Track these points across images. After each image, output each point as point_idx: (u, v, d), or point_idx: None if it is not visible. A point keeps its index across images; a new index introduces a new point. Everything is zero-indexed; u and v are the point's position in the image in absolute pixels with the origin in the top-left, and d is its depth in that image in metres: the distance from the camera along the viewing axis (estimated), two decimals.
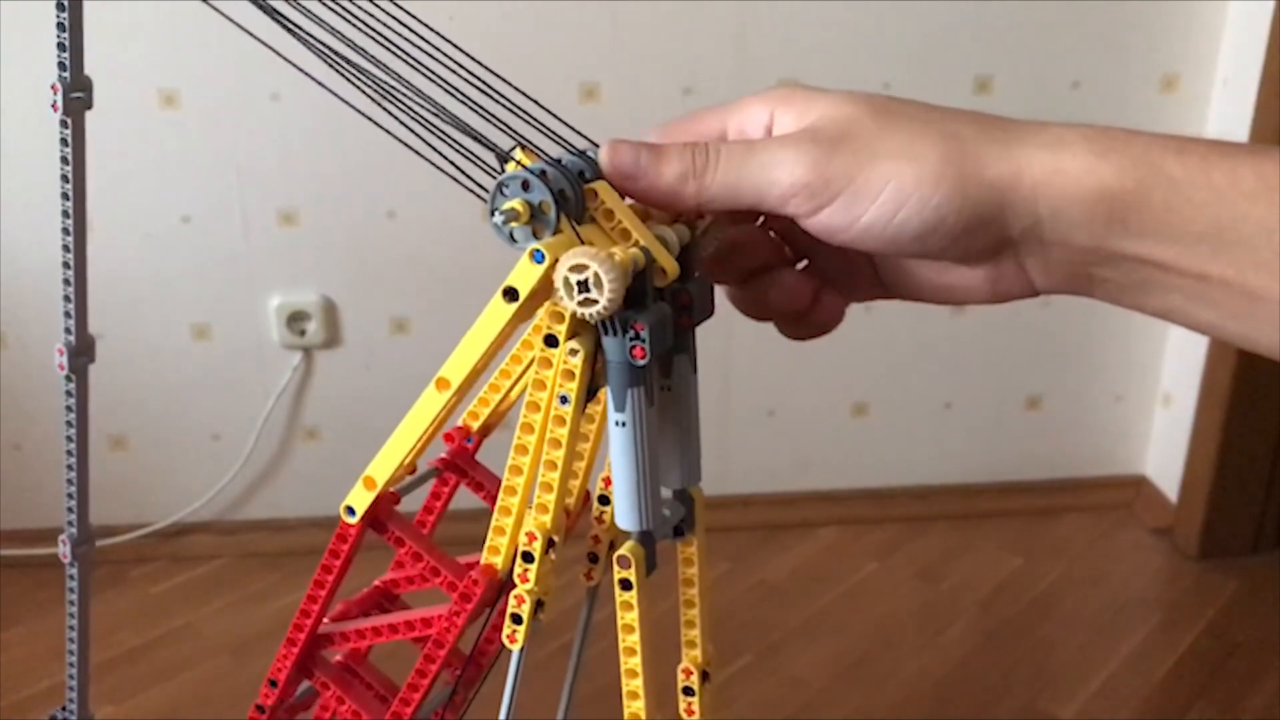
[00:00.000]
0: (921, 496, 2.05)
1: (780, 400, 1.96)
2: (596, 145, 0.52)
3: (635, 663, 0.57)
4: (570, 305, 0.46)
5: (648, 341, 0.48)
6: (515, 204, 0.47)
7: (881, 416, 1.99)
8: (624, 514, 0.52)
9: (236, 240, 1.76)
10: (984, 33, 1.74)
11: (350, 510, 0.57)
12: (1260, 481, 1.89)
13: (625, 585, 0.55)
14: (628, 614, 0.56)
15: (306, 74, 0.55)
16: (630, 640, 0.56)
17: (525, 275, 0.47)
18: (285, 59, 0.57)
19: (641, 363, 0.48)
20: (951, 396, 1.99)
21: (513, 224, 0.47)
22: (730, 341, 1.87)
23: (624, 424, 0.50)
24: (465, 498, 0.69)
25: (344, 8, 0.56)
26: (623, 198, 0.50)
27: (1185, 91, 1.80)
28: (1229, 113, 1.77)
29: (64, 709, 1.02)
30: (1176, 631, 1.75)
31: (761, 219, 0.55)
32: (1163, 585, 1.89)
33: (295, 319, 1.81)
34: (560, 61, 1.70)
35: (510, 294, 0.47)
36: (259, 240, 1.77)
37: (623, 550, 0.55)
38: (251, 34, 0.58)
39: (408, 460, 0.55)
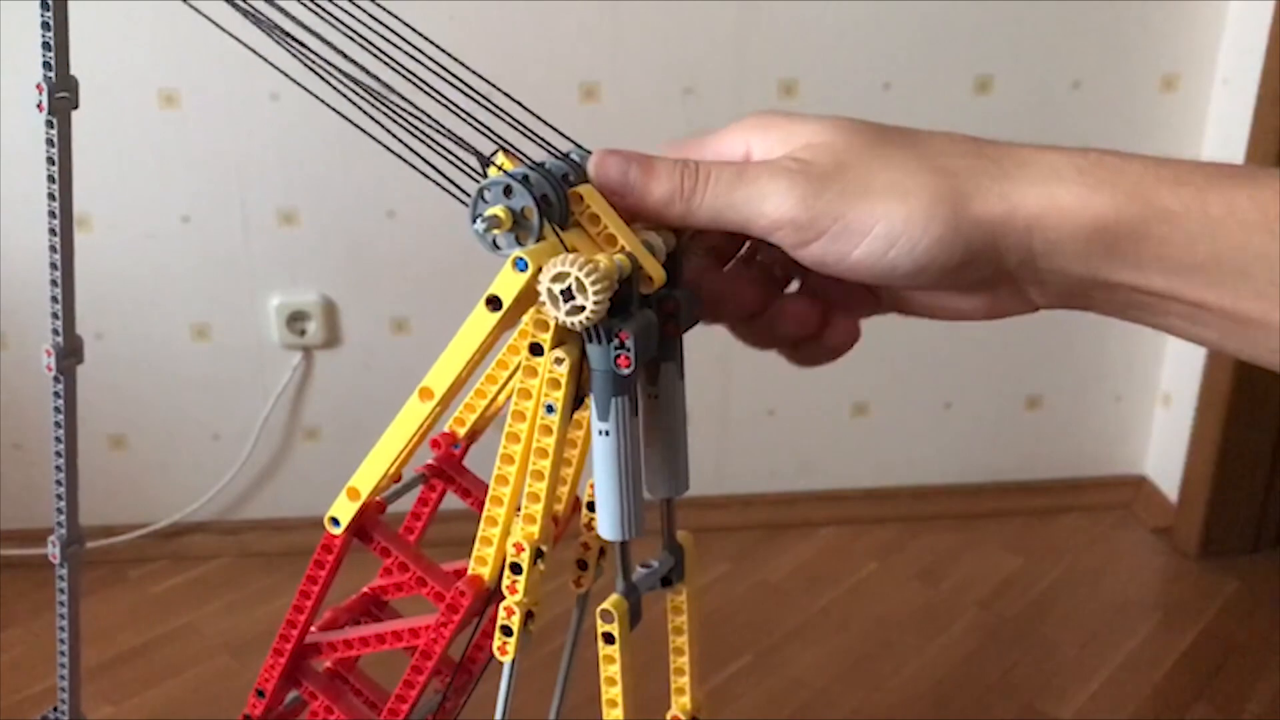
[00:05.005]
0: (921, 496, 2.04)
1: (780, 400, 1.96)
2: (582, 148, 0.51)
3: (617, 715, 0.57)
4: (554, 314, 0.46)
5: (633, 350, 0.47)
6: (497, 210, 0.46)
7: (881, 416, 1.99)
8: (606, 524, 0.51)
9: (236, 240, 1.76)
10: (984, 33, 1.73)
11: (335, 521, 0.56)
12: (1260, 481, 1.88)
13: (608, 639, 0.55)
14: (610, 667, 0.55)
15: (291, 78, 0.55)
16: (612, 693, 0.56)
17: (508, 283, 0.46)
18: (270, 62, 0.57)
19: (626, 372, 0.47)
20: (951, 396, 1.99)
21: (495, 230, 0.47)
22: (730, 342, 1.85)
23: (607, 433, 0.49)
24: (457, 499, 0.69)
25: (326, 10, 0.56)
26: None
27: (1185, 91, 1.79)
28: (1229, 113, 1.76)
29: (55, 710, 1.02)
30: (1176, 631, 1.74)
31: (748, 243, 0.54)
32: (1163, 585, 1.88)
33: (295, 319, 1.81)
34: (560, 61, 1.70)
35: (493, 303, 0.47)
36: (259, 240, 1.77)
37: (606, 605, 0.54)
38: (235, 36, 0.58)
39: (392, 470, 0.55)
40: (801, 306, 0.53)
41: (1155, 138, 1.81)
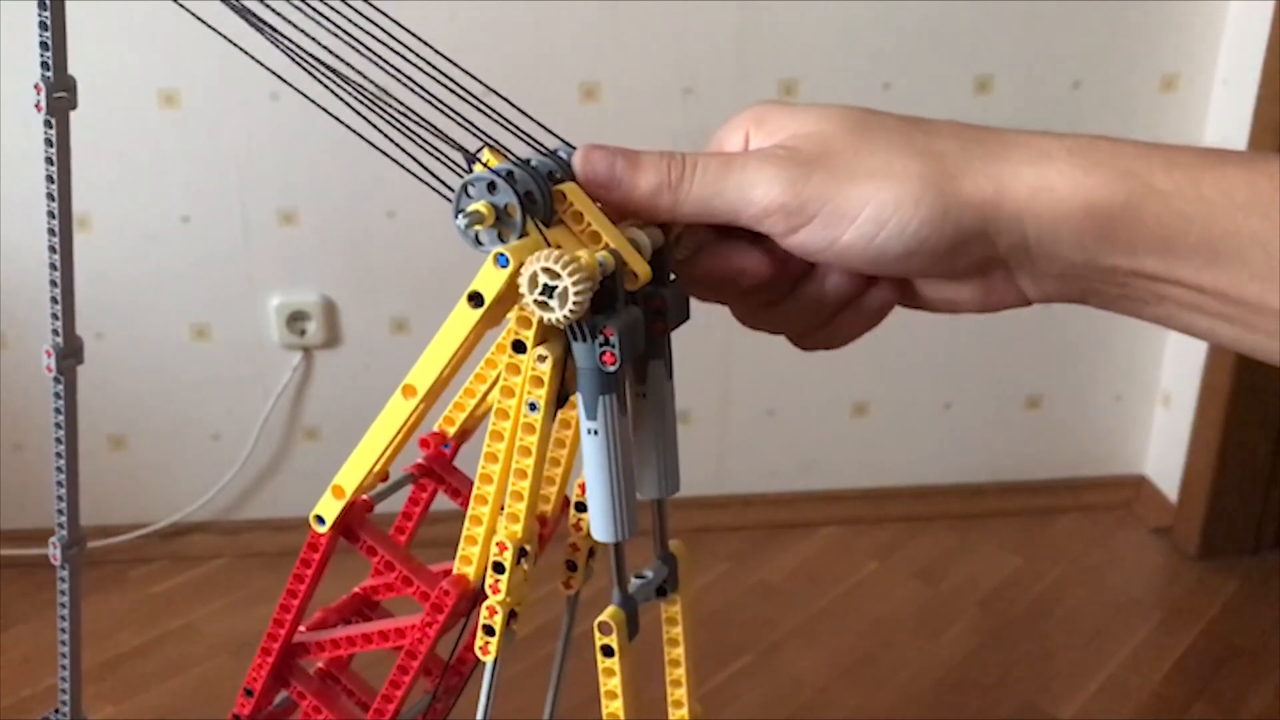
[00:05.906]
0: (921, 496, 2.04)
1: (780, 400, 1.96)
2: (570, 145, 0.51)
3: None
4: (535, 310, 0.45)
5: (618, 347, 0.47)
6: (479, 206, 0.46)
7: (881, 416, 1.99)
8: (599, 525, 0.51)
9: (236, 240, 1.76)
10: (984, 33, 1.73)
11: (320, 519, 0.56)
12: (1260, 481, 1.88)
13: (607, 652, 0.54)
14: (610, 680, 0.55)
15: (283, 78, 0.55)
16: (613, 707, 0.55)
17: (489, 280, 0.46)
18: (263, 64, 0.57)
19: (612, 369, 0.47)
20: (951, 396, 1.98)
21: (477, 226, 0.46)
22: (730, 341, 1.86)
23: (596, 432, 0.49)
24: (451, 501, 0.68)
25: (319, 10, 0.56)
26: (596, 203, 0.49)
27: (1185, 91, 1.79)
28: (1229, 113, 1.76)
29: (56, 711, 1.02)
30: (1176, 631, 1.74)
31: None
32: (1163, 585, 1.88)
33: (295, 319, 1.81)
34: (560, 61, 1.69)
35: (475, 299, 0.47)
36: (259, 240, 1.77)
37: (604, 617, 0.54)
38: (230, 39, 0.58)
39: (378, 468, 0.54)
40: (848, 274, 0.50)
41: (1155, 138, 1.77)
